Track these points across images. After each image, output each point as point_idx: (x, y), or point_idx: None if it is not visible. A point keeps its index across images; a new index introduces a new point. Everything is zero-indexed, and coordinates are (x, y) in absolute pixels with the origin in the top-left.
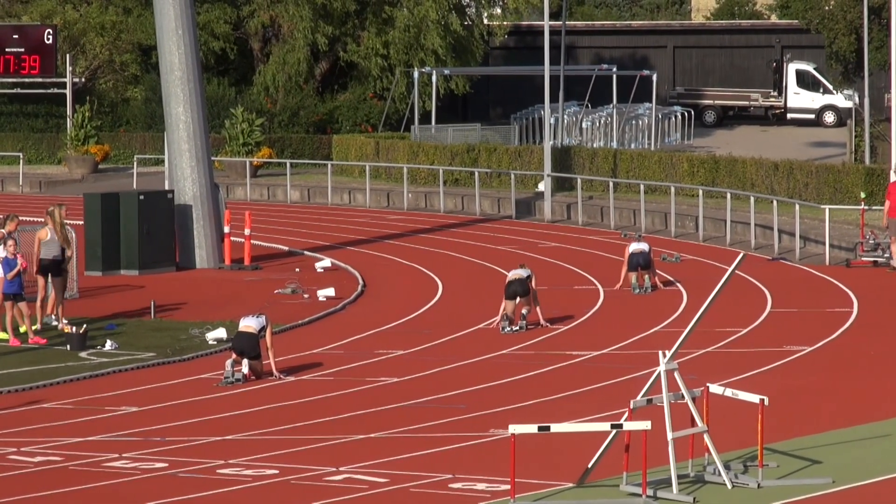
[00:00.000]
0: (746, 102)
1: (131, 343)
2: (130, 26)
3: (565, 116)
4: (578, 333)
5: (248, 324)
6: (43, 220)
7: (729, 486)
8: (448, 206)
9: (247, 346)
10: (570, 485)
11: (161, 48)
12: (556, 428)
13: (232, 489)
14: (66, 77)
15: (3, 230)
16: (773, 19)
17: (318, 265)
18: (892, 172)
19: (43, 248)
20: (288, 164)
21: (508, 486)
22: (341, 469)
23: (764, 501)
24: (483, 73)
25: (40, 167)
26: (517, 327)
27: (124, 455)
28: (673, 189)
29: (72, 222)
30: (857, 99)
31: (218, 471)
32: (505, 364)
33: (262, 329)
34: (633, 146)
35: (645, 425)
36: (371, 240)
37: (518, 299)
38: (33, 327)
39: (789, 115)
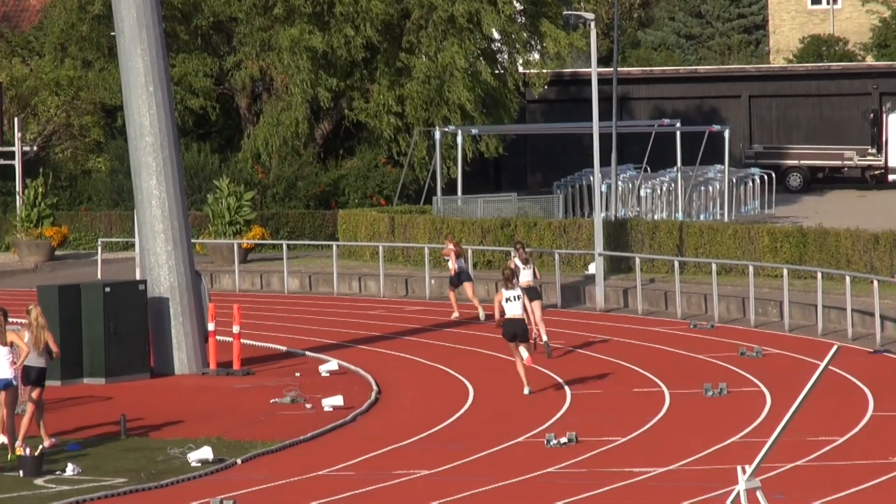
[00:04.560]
0: (839, 162)
1: (98, 467)
2: (91, 83)
3: (619, 183)
4: (640, 446)
5: None
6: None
7: None
8: (479, 294)
9: None
10: None
11: (128, 108)
12: None
13: None
14: (13, 145)
15: None
16: (869, 60)
17: (323, 368)
18: None
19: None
20: (284, 247)
21: None
22: None
23: None
24: (519, 132)
25: None
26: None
27: None
28: (752, 269)
29: (18, 320)
30: None
31: None
32: (552, 486)
33: None
34: (702, 217)
35: None
36: (386, 336)
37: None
38: None
39: (891, 177)
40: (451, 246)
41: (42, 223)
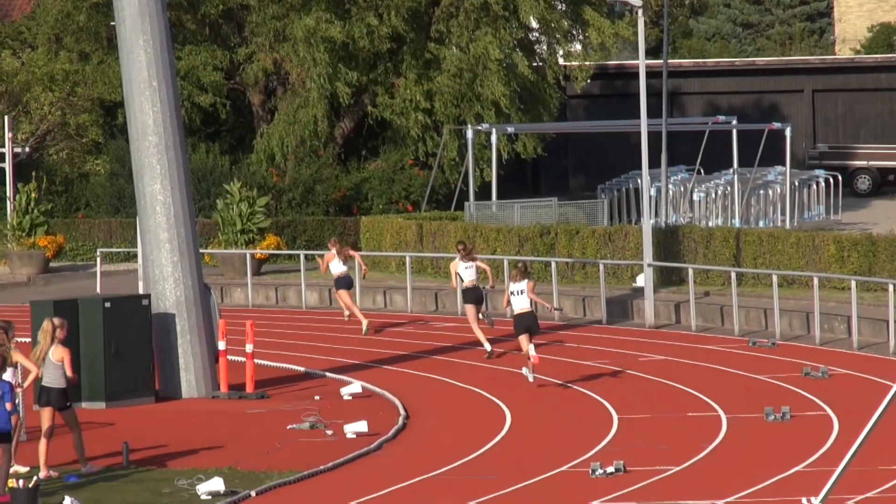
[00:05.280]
0: None
1: (98, 500)
2: (88, 77)
3: (670, 186)
4: (694, 476)
5: None
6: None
7: None
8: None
9: None
10: None
11: (130, 106)
12: None
13: None
14: (3, 146)
15: None
16: None
17: (345, 391)
18: None
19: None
20: (302, 257)
21: None
22: None
23: None
24: (560, 131)
25: None
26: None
27: None
28: (816, 281)
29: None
30: None
31: None
32: None
33: None
34: (761, 224)
35: None
36: (414, 355)
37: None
38: None
39: None
40: (334, 249)
41: (35, 232)
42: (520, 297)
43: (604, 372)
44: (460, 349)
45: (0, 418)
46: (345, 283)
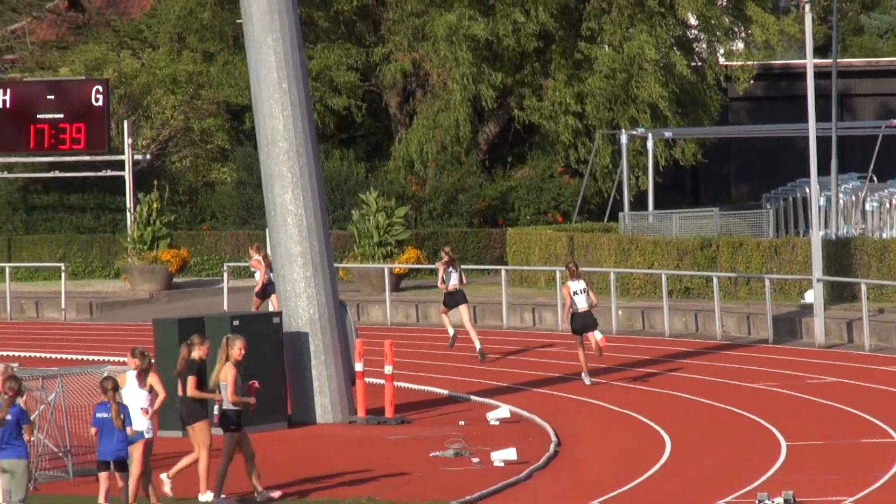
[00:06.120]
0: None
1: None
2: (214, 79)
3: (841, 195)
4: None
5: None
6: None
7: None
8: (676, 328)
9: None
10: None
11: (258, 109)
12: None
13: None
14: (123, 153)
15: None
16: None
17: (492, 416)
18: None
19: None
20: None
21: None
22: None
23: None
24: (721, 135)
25: (90, 282)
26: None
27: None
28: None
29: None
30: None
31: None
32: None
33: None
34: None
35: None
36: (566, 377)
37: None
38: None
39: None
40: (257, 256)
41: (157, 245)
42: (581, 297)
43: (770, 395)
44: (614, 371)
45: (117, 444)
46: (271, 289)
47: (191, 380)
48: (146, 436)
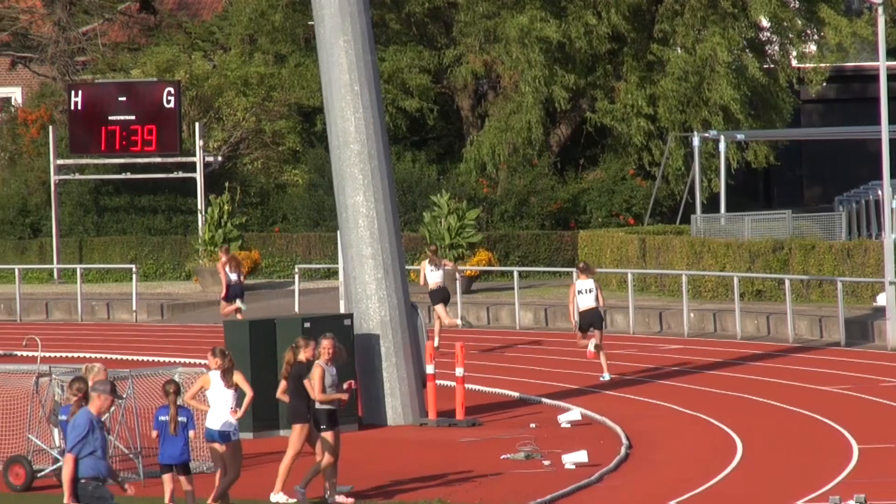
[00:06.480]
0: None
1: None
2: (285, 81)
3: None
4: None
5: None
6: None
7: None
8: (747, 330)
9: None
10: None
11: (330, 111)
12: None
13: None
14: (194, 155)
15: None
16: None
17: (563, 418)
18: None
19: None
20: (515, 274)
21: None
22: None
23: None
24: (793, 138)
25: (161, 284)
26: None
27: None
28: None
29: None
30: None
31: None
32: None
33: None
34: None
35: None
36: (637, 380)
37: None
38: None
39: None
40: (225, 258)
41: (229, 247)
42: (587, 296)
43: (842, 398)
44: (687, 373)
45: (178, 448)
46: (236, 290)
47: (309, 383)
48: (233, 438)
